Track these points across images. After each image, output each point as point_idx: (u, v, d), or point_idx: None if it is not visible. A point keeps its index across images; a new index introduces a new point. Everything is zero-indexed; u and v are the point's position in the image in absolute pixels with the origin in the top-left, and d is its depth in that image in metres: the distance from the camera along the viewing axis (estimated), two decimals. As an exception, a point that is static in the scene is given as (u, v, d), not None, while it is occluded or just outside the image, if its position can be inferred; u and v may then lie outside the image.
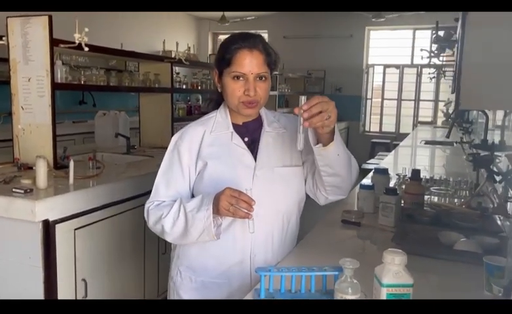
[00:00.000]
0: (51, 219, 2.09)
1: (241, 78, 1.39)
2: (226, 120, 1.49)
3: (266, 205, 1.42)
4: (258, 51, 1.39)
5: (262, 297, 1.15)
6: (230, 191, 1.28)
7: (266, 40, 1.46)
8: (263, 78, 1.40)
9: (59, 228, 2.13)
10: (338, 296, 1.05)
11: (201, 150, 1.46)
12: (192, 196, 1.49)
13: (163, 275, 2.90)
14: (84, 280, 2.28)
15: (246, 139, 1.48)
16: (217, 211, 1.31)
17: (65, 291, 2.19)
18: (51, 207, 2.10)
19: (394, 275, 1.04)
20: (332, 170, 1.36)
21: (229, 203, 1.28)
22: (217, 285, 1.46)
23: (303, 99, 1.23)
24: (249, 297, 1.22)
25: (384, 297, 1.04)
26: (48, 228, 2.08)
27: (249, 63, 1.37)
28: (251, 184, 1.41)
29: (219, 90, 1.48)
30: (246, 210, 1.28)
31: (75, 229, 2.23)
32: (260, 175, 1.43)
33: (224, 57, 1.41)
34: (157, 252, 2.86)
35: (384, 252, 1.07)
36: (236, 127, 1.49)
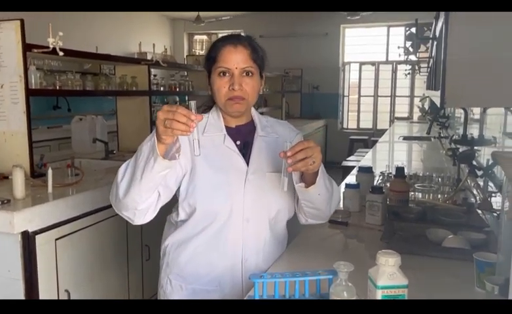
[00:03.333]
0: (30, 230, 2.03)
1: (226, 74, 1.38)
2: (219, 122, 1.46)
3: (257, 210, 1.41)
4: (242, 46, 1.38)
5: (256, 304, 1.12)
6: (167, 106, 1.14)
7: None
8: (249, 74, 1.38)
9: (39, 239, 2.06)
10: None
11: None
12: (177, 202, 1.45)
13: (147, 282, 2.86)
14: (67, 291, 2.22)
15: (238, 142, 1.46)
16: (159, 135, 1.16)
17: (47, 303, 2.13)
18: (30, 218, 2.04)
19: (389, 277, 1.04)
20: (312, 205, 1.39)
21: (165, 118, 1.12)
22: (208, 292, 1.43)
23: (288, 144, 1.24)
24: (242, 304, 1.20)
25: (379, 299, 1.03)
26: (28, 239, 2.02)
27: (233, 57, 1.37)
28: (242, 187, 1.40)
29: (209, 93, 1.46)
30: (185, 125, 1.11)
31: (56, 239, 2.17)
32: (252, 180, 1.41)
33: (210, 56, 1.41)
34: (141, 259, 2.81)
35: (378, 253, 1.06)
36: (228, 129, 1.46)
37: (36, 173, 2.60)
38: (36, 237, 2.05)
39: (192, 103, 1.17)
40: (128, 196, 1.27)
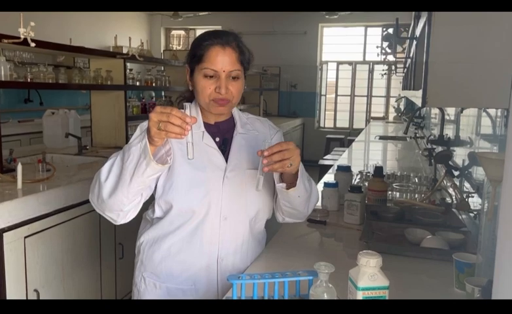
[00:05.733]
0: (-2, 227, 1.95)
1: (212, 76, 1.33)
2: (198, 118, 1.41)
3: (235, 208, 1.38)
4: (231, 48, 1.33)
5: (234, 306, 1.09)
6: (161, 108, 1.11)
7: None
8: (236, 77, 1.35)
9: (7, 237, 1.98)
10: (314, 301, 1.01)
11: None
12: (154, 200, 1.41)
13: (121, 282, 2.79)
14: (36, 290, 2.14)
15: (217, 139, 1.42)
16: (151, 138, 1.13)
17: (15, 304, 2.05)
18: (-2, 215, 1.96)
19: (370, 278, 1.02)
20: (291, 205, 1.38)
21: (158, 120, 1.09)
22: (183, 291, 1.40)
23: (267, 144, 1.22)
24: (219, 306, 1.16)
25: (359, 300, 1.01)
26: (-5, 237, 1.94)
27: (221, 60, 1.31)
28: (221, 185, 1.36)
29: (190, 88, 1.41)
30: (180, 128, 1.09)
31: (25, 237, 2.09)
32: (231, 177, 1.38)
33: (196, 54, 1.35)
34: (114, 258, 2.74)
35: (359, 254, 1.04)
36: (207, 126, 1.42)
37: (5, 169, 2.50)
38: (4, 234, 1.97)
39: (187, 105, 1.15)
40: (114, 197, 1.24)
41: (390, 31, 7.95)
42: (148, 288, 1.43)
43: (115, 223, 1.34)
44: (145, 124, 1.30)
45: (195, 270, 1.39)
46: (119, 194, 1.23)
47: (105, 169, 1.27)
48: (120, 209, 1.28)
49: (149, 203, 1.45)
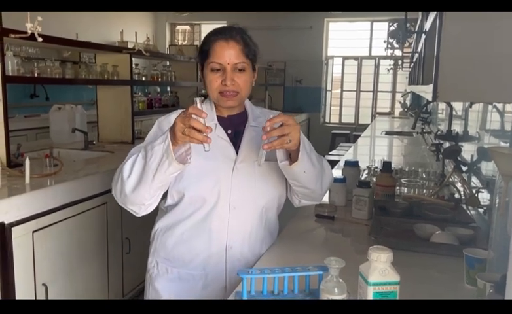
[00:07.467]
0: (6, 222, 1.96)
1: (219, 69, 1.37)
2: (211, 112, 1.46)
3: (244, 198, 1.42)
4: (234, 41, 1.38)
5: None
6: (183, 114, 1.19)
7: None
8: (241, 69, 1.38)
9: (15, 231, 2.00)
10: (324, 296, 1.01)
11: None
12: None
13: (127, 276, 2.81)
14: (44, 284, 2.16)
15: (229, 132, 1.46)
16: (175, 140, 1.21)
17: (24, 297, 2.06)
18: (6, 209, 1.96)
19: (381, 273, 1.01)
20: (300, 184, 1.39)
21: (183, 125, 1.17)
22: (192, 276, 1.46)
23: (271, 114, 1.24)
24: (230, 298, 1.17)
25: (370, 296, 1.01)
26: (4, 232, 1.95)
27: (226, 53, 1.36)
28: (230, 175, 1.40)
29: (203, 86, 1.47)
30: (204, 136, 1.17)
31: (33, 231, 2.10)
32: (241, 168, 1.42)
33: (203, 50, 1.41)
34: (121, 252, 2.75)
35: (370, 249, 1.03)
36: (220, 119, 1.47)
37: (12, 163, 2.51)
38: (13, 229, 1.99)
39: (197, 100, 1.19)
40: (137, 193, 1.31)
41: (396, 26, 7.90)
42: (160, 272, 1.49)
43: (137, 215, 1.41)
44: (162, 120, 1.42)
45: (205, 256, 1.44)
46: (141, 190, 1.30)
47: (127, 166, 1.33)
48: (142, 202, 1.35)
49: (165, 194, 1.48)
